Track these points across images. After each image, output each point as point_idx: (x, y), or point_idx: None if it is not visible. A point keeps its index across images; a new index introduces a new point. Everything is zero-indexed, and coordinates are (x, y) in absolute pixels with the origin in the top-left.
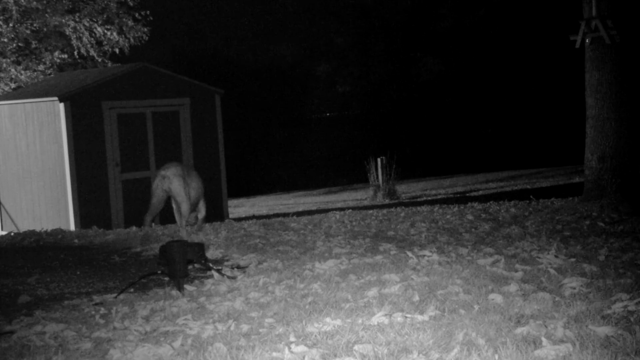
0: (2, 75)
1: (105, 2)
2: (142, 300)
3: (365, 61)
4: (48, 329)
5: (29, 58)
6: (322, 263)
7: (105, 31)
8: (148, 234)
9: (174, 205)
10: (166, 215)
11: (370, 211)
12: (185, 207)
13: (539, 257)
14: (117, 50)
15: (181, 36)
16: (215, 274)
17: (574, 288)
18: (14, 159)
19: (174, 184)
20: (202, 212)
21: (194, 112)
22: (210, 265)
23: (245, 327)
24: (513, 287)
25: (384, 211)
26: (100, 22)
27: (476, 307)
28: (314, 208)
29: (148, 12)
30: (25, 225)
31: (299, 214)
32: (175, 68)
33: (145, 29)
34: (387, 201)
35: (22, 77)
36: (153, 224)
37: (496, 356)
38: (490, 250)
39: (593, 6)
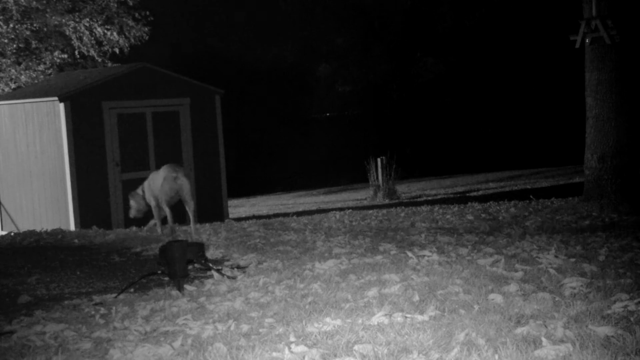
0: (2, 75)
1: (105, 1)
2: (142, 300)
3: (365, 61)
4: (48, 329)
5: (29, 58)
6: (322, 263)
7: (105, 31)
8: (148, 234)
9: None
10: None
11: (370, 211)
12: (194, 204)
13: (539, 257)
14: (117, 50)
15: (181, 36)
16: (215, 274)
17: (574, 288)
18: (14, 159)
19: (186, 184)
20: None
21: (194, 112)
22: (210, 265)
23: (245, 327)
24: (513, 287)
25: (384, 211)
26: (100, 22)
27: (476, 307)
28: (314, 208)
29: (148, 12)
30: (25, 225)
31: (299, 214)
32: (175, 68)
33: (146, 29)
34: (387, 201)
35: (22, 77)
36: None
37: (496, 356)
38: (490, 250)
39: (593, 6)
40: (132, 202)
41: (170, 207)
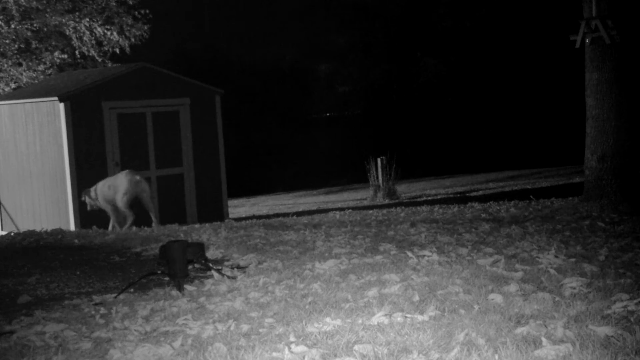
0: (3, 75)
1: (105, 1)
2: (142, 300)
3: (365, 61)
4: (48, 329)
5: (29, 58)
6: (322, 263)
7: (106, 31)
8: (148, 234)
9: (108, 207)
10: (166, 216)
11: (370, 211)
12: (154, 207)
13: (539, 257)
14: (117, 50)
15: (181, 36)
16: (215, 274)
17: (574, 288)
18: (14, 159)
19: (147, 187)
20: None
21: (194, 112)
22: (210, 265)
23: (245, 327)
24: (513, 287)
25: (384, 211)
26: (100, 22)
27: (476, 307)
28: (314, 208)
29: (147, 11)
30: (25, 225)
31: (299, 214)
32: (175, 68)
33: (145, 27)
34: (387, 201)
35: (23, 77)
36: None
37: (496, 356)
38: (490, 250)
39: (593, 6)
40: (86, 199)
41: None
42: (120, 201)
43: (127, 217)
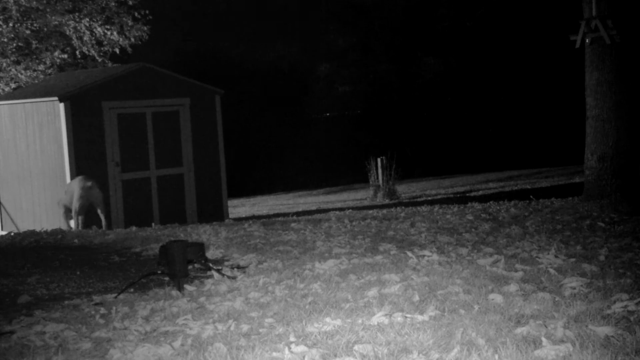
0: (2, 75)
1: (105, 1)
2: (142, 300)
3: (365, 61)
4: (48, 329)
5: (29, 58)
6: (322, 263)
7: (106, 31)
8: (148, 234)
9: (62, 208)
10: (166, 216)
11: (370, 211)
12: (106, 211)
13: (539, 257)
14: (117, 50)
15: (181, 36)
16: (215, 274)
17: (574, 288)
18: (14, 159)
19: (99, 193)
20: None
21: (194, 112)
22: (210, 265)
23: (245, 327)
24: (513, 287)
25: (384, 211)
26: (100, 22)
27: (476, 307)
28: (314, 208)
29: (147, 12)
30: (25, 225)
31: (299, 214)
32: (175, 68)
33: (145, 28)
34: (387, 201)
35: (22, 77)
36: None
37: (496, 356)
38: (490, 250)
39: (593, 6)
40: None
41: (83, 214)
42: (74, 206)
43: (76, 220)
